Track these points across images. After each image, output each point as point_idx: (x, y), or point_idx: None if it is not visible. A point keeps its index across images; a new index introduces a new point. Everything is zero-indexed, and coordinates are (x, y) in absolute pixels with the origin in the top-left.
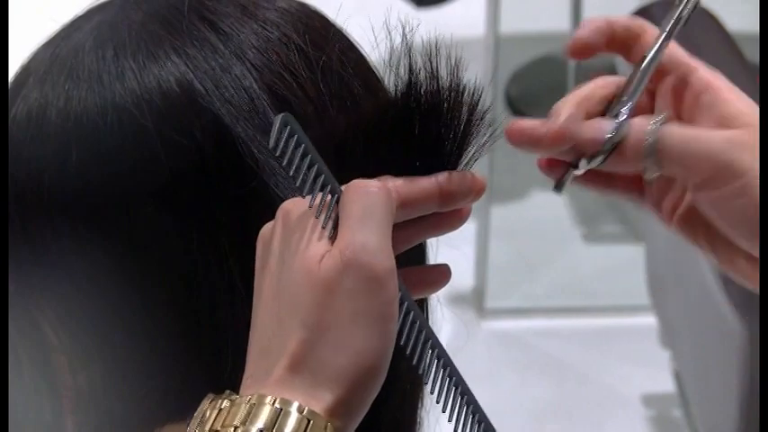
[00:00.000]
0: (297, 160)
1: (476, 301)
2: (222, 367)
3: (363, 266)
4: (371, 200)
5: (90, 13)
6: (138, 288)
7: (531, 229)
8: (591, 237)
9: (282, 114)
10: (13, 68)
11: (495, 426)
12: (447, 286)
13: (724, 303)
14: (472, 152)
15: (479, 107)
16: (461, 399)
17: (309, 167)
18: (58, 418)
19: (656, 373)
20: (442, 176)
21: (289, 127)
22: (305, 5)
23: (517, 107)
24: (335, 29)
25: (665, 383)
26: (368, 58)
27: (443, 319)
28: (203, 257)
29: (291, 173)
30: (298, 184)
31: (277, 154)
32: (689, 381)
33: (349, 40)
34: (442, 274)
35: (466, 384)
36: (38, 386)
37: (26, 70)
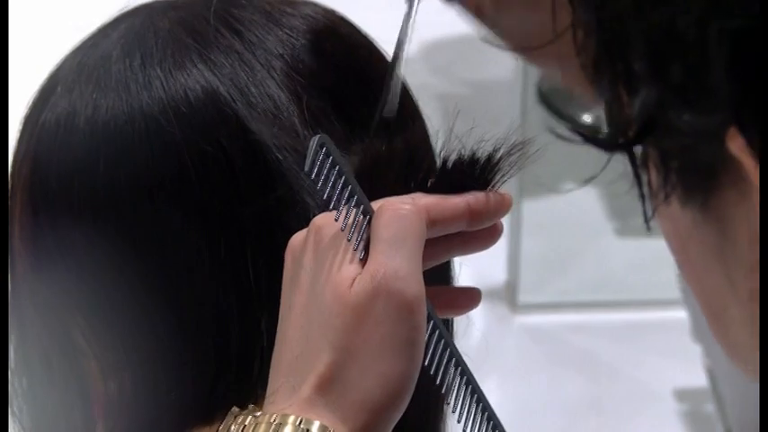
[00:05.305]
0: (331, 181)
1: (508, 296)
2: (250, 373)
3: (394, 293)
4: (403, 223)
5: (117, 22)
6: (167, 293)
7: (564, 223)
8: (623, 230)
9: (319, 136)
10: (42, 76)
11: (527, 420)
12: (480, 281)
13: None
14: (503, 173)
15: (512, 137)
16: (488, 423)
17: (343, 188)
18: (89, 424)
19: (689, 368)
20: (471, 196)
21: (325, 148)
22: (330, 11)
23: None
24: (361, 35)
25: (697, 378)
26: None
27: (476, 315)
28: (231, 263)
29: (326, 195)
30: (332, 205)
31: (313, 176)
32: (720, 377)
33: (375, 46)
34: (472, 297)
35: (491, 408)
36: (69, 392)
37: (54, 78)
